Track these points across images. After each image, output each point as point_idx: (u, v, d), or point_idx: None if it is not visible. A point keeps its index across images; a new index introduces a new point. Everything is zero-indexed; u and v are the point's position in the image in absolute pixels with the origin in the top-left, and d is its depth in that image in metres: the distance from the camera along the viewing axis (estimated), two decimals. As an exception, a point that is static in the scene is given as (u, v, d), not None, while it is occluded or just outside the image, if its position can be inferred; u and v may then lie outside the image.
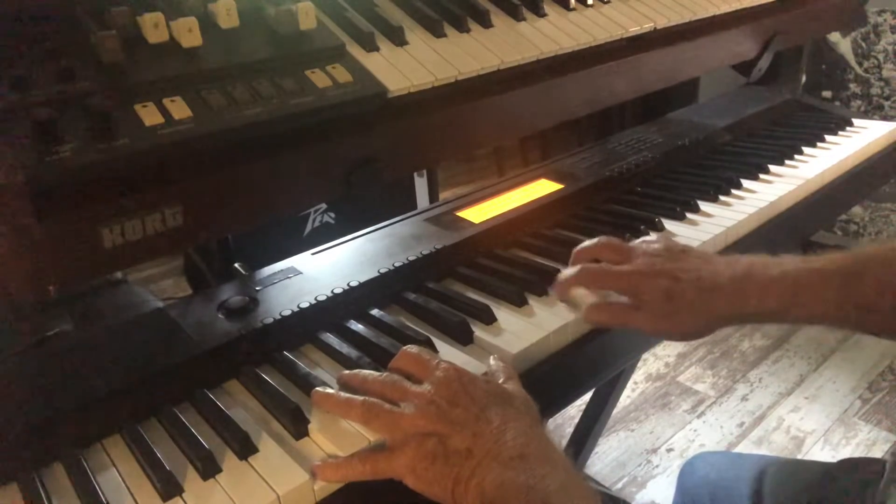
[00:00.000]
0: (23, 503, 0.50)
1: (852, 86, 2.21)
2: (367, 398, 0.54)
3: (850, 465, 0.78)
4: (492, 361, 0.61)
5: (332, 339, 0.66)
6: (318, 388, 0.57)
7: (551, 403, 0.68)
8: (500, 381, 0.57)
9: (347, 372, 0.59)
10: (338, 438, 0.55)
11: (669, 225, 0.87)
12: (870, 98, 2.19)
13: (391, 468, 0.51)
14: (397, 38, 0.68)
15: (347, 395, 0.56)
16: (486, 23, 0.75)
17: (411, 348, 0.58)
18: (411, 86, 0.65)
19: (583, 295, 0.69)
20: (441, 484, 0.50)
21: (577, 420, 1.55)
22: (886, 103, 2.16)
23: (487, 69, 0.71)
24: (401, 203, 1.20)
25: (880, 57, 2.13)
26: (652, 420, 1.85)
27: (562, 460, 0.52)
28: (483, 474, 0.49)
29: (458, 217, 0.89)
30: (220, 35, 0.59)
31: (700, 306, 0.64)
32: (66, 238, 0.48)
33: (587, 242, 0.72)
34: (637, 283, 0.66)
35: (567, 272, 0.70)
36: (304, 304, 0.70)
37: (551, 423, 1.77)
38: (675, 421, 1.84)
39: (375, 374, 0.57)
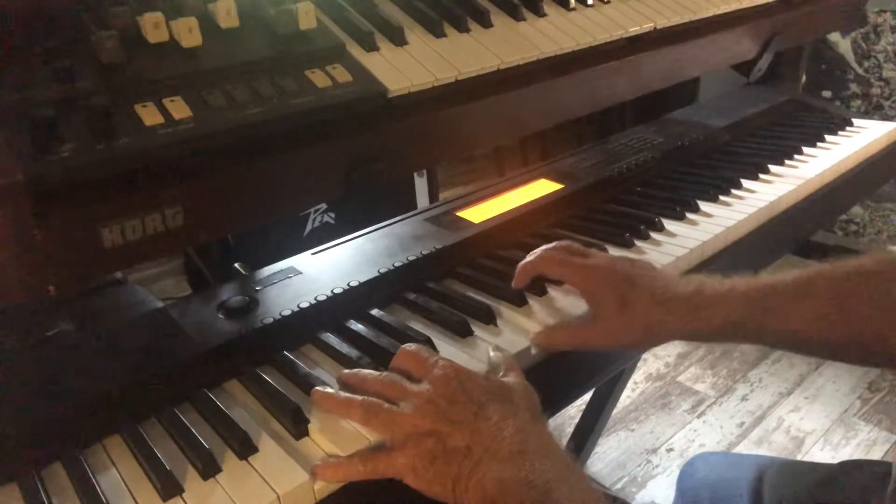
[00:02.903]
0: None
1: (852, 86, 2.21)
2: (366, 398, 0.54)
3: (852, 467, 0.78)
4: (492, 353, 0.61)
5: (332, 339, 0.66)
6: (317, 388, 0.57)
7: (551, 404, 0.68)
8: (501, 373, 0.57)
9: (347, 371, 0.59)
10: (338, 438, 0.55)
11: (669, 225, 0.87)
12: (870, 98, 2.19)
13: (391, 467, 0.51)
14: (397, 38, 0.68)
15: (347, 394, 0.56)
16: (486, 23, 0.75)
17: (410, 346, 0.58)
18: (411, 86, 0.65)
19: (548, 315, 0.69)
20: (441, 482, 0.50)
21: (577, 420, 1.55)
22: (886, 103, 2.16)
23: (487, 69, 0.71)
24: (401, 203, 1.20)
25: (880, 57, 2.13)
26: (652, 420, 1.85)
27: (562, 455, 0.52)
28: (483, 471, 0.49)
29: (458, 217, 0.89)
30: (220, 35, 0.59)
31: (651, 317, 0.63)
32: (66, 238, 0.48)
33: (546, 245, 0.71)
34: (594, 278, 0.65)
35: (528, 257, 0.69)
36: (304, 304, 0.70)
37: (551, 422, 1.77)
38: (675, 421, 1.84)
39: (375, 373, 0.57)
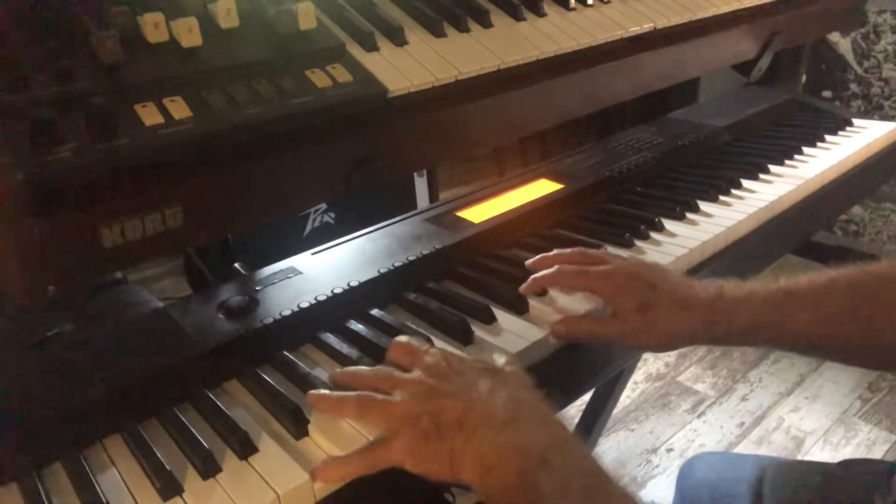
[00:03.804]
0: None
1: (852, 86, 2.21)
2: (359, 393, 0.54)
3: (852, 466, 0.78)
4: (495, 356, 0.61)
5: (332, 339, 0.66)
6: (312, 391, 0.57)
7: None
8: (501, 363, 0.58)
9: (339, 370, 0.59)
10: (338, 438, 0.55)
11: (669, 225, 0.87)
12: (870, 98, 2.19)
13: (389, 456, 0.51)
14: (397, 38, 0.68)
15: (340, 393, 0.56)
16: (486, 23, 0.75)
17: (400, 338, 0.59)
18: (411, 86, 0.65)
19: (551, 311, 0.69)
20: (438, 460, 0.50)
21: (577, 420, 1.55)
22: (886, 103, 2.16)
23: (487, 69, 0.71)
24: (401, 203, 1.20)
25: (880, 57, 2.13)
26: (652, 420, 1.85)
27: (556, 422, 0.52)
28: (477, 442, 0.49)
29: (458, 217, 0.89)
30: (220, 35, 0.59)
31: (672, 321, 0.63)
32: (66, 238, 0.48)
33: (560, 251, 0.71)
34: (615, 283, 0.65)
35: (543, 272, 0.69)
36: (304, 304, 0.70)
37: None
38: (675, 421, 1.84)
39: (367, 368, 0.57)
